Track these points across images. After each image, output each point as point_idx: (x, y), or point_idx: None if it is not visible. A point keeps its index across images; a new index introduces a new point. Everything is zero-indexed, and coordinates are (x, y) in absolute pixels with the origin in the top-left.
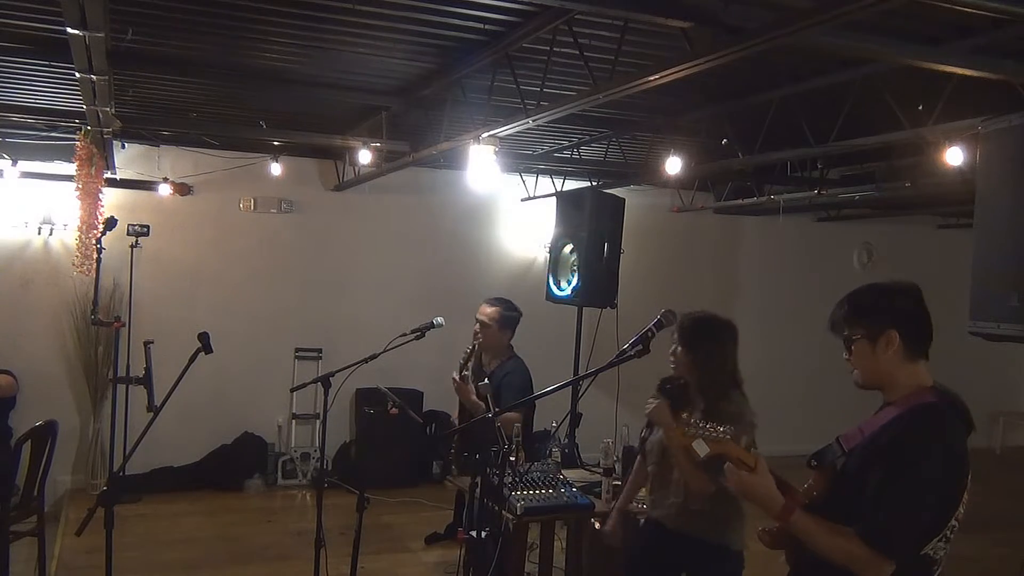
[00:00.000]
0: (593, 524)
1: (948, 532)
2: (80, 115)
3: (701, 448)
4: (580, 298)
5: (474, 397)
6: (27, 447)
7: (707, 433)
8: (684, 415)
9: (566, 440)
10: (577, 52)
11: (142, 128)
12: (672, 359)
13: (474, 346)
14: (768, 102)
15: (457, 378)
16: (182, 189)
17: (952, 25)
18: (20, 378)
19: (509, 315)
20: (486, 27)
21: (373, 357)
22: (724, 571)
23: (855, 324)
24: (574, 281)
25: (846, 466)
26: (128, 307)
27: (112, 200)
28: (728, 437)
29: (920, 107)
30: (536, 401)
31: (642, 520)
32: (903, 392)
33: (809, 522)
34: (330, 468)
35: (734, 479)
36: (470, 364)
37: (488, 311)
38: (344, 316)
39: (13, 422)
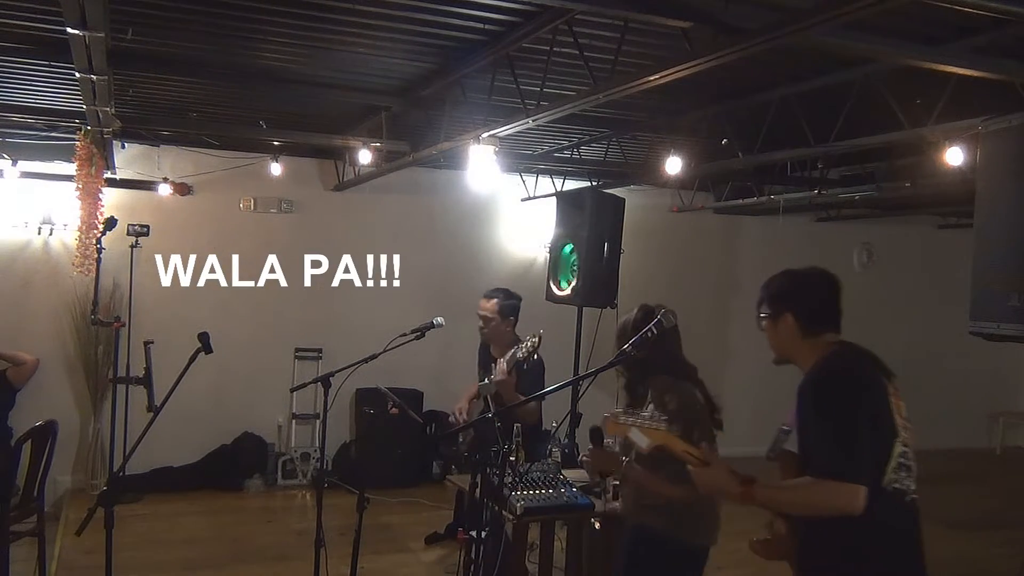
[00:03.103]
0: (593, 524)
1: (903, 459)
2: (80, 115)
3: (639, 439)
4: (580, 298)
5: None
6: (27, 447)
7: (639, 423)
8: (616, 410)
9: (566, 440)
10: (577, 52)
11: (142, 128)
12: None
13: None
14: (768, 102)
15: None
16: (182, 189)
17: (952, 25)
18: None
19: (508, 303)
20: (486, 27)
21: (373, 357)
22: (681, 563)
23: (763, 306)
24: (574, 281)
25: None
26: (128, 307)
27: (112, 200)
28: (664, 421)
29: (919, 101)
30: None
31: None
32: (811, 361)
33: (770, 489)
34: (330, 468)
35: (693, 477)
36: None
37: (488, 305)
38: (344, 316)
39: (13, 422)
